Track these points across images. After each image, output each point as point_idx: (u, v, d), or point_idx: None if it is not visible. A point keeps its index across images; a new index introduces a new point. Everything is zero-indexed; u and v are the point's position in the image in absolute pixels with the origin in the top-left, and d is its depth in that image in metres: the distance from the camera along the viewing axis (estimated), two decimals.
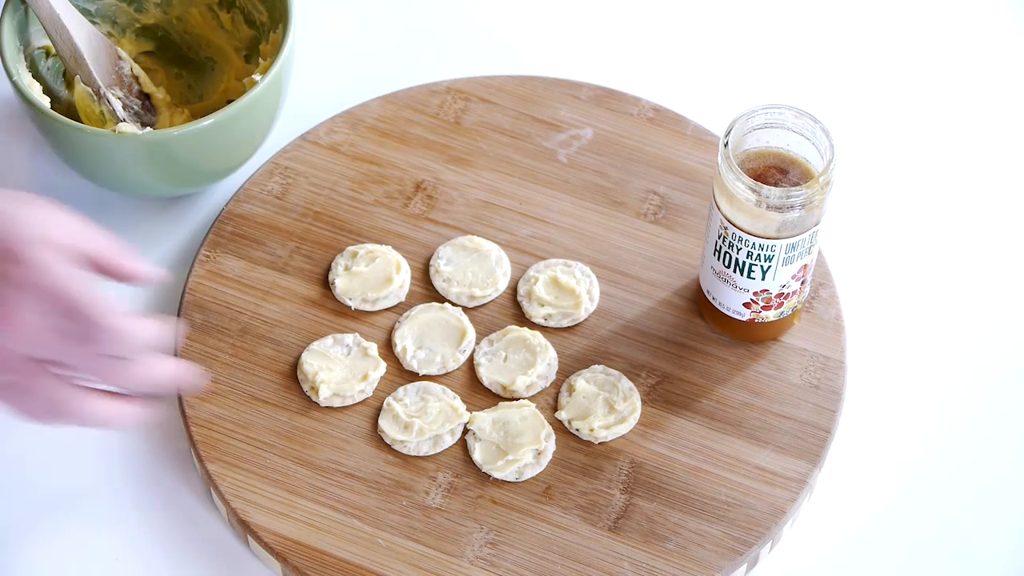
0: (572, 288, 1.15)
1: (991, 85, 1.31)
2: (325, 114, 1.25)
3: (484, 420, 1.10)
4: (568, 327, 1.15)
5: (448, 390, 1.12)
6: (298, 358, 1.12)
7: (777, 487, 1.08)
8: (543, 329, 1.15)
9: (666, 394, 1.12)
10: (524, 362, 1.13)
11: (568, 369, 1.13)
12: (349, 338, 1.13)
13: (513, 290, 1.16)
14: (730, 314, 1.12)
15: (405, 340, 1.14)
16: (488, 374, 1.13)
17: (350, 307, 1.15)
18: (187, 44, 1.26)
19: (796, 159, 1.07)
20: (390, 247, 1.18)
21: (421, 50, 1.32)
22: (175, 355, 1.12)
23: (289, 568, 1.05)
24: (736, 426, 1.11)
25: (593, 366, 1.13)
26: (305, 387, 1.11)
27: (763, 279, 1.09)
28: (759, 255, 1.07)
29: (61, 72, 1.21)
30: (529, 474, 1.09)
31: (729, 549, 1.06)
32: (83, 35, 1.17)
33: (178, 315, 1.14)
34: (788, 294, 1.10)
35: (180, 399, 1.11)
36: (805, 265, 1.09)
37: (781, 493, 1.08)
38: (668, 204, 1.20)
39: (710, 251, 1.10)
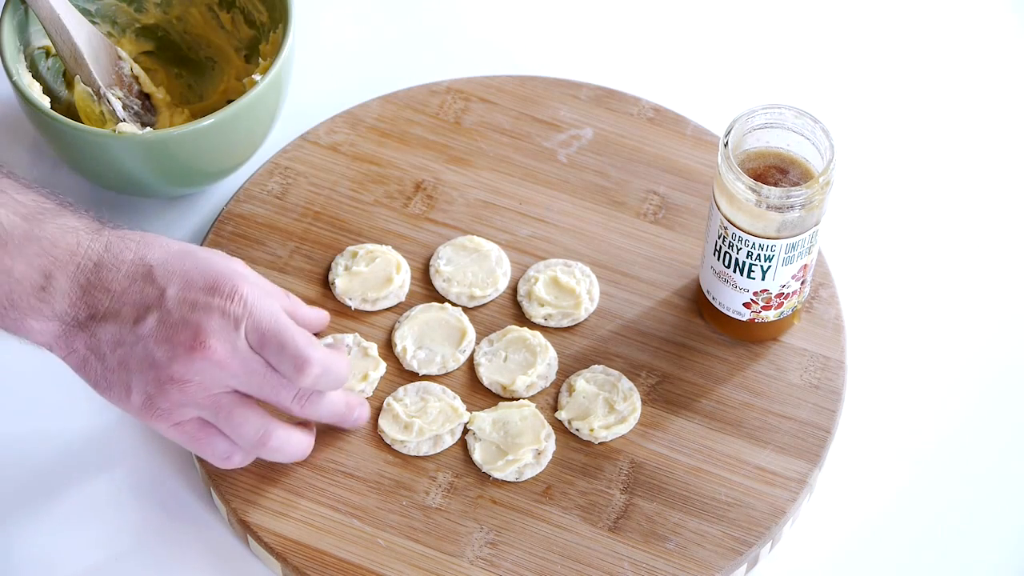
0: (572, 288, 1.15)
1: (991, 85, 1.31)
2: (325, 114, 1.25)
3: (484, 420, 1.10)
4: (568, 327, 1.15)
5: (448, 390, 1.12)
6: None
7: (777, 487, 1.08)
8: (543, 329, 1.15)
9: (666, 394, 1.12)
10: (524, 362, 1.13)
11: (568, 369, 1.13)
12: (349, 338, 1.13)
13: (513, 290, 1.16)
14: (730, 314, 1.12)
15: (405, 340, 1.14)
16: (488, 374, 1.13)
17: (350, 307, 1.15)
18: (187, 44, 1.26)
19: (796, 159, 1.07)
20: (390, 247, 1.18)
21: (421, 50, 1.32)
22: None
23: (289, 568, 1.05)
24: (736, 426, 1.11)
25: (593, 366, 1.13)
26: None
27: (763, 279, 1.09)
28: (759, 255, 1.07)
29: (61, 72, 1.21)
30: (529, 474, 1.09)
31: (729, 549, 1.06)
32: (83, 35, 1.17)
33: None
34: (788, 294, 1.10)
35: None
36: (805, 265, 1.09)
37: (781, 493, 1.08)
38: (668, 204, 1.20)
39: (710, 251, 1.10)
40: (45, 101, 1.15)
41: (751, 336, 1.14)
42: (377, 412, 1.11)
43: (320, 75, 1.29)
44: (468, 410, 1.11)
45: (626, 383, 1.12)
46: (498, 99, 1.25)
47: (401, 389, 1.12)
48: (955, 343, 1.18)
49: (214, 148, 1.15)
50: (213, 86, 1.25)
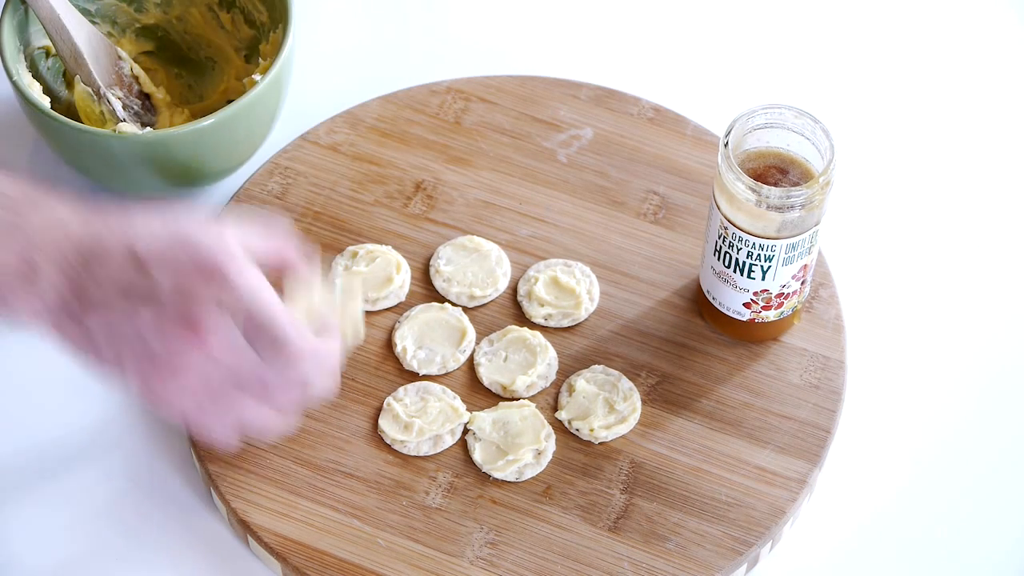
0: (572, 288, 1.15)
1: (991, 85, 1.31)
2: (325, 114, 1.25)
3: (484, 420, 1.10)
4: (568, 327, 1.15)
5: (448, 390, 1.12)
6: None
7: (777, 487, 1.08)
8: (543, 329, 1.15)
9: (666, 394, 1.12)
10: (524, 362, 1.13)
11: (568, 369, 1.13)
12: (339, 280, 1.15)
13: (513, 290, 1.16)
14: (730, 314, 1.12)
15: (405, 340, 1.14)
16: (488, 374, 1.13)
17: None
18: (187, 44, 1.26)
19: (796, 159, 1.07)
20: (390, 247, 1.18)
21: (421, 50, 1.32)
22: None
23: (289, 568, 1.05)
24: (736, 426, 1.11)
25: (593, 366, 1.13)
26: None
27: (763, 279, 1.09)
28: (759, 255, 1.07)
29: (61, 72, 1.21)
30: (529, 474, 1.09)
31: (729, 549, 1.06)
32: (83, 35, 1.17)
33: None
34: (788, 294, 1.10)
35: None
36: (805, 265, 1.09)
37: (781, 493, 1.08)
38: (668, 204, 1.20)
39: (710, 251, 1.10)
40: (45, 101, 1.15)
41: (751, 336, 1.14)
42: (377, 412, 1.11)
43: (320, 75, 1.29)
44: (468, 410, 1.11)
45: (626, 383, 1.12)
46: (498, 99, 1.25)
47: (401, 389, 1.12)
48: (955, 343, 1.18)
49: (214, 148, 1.15)
50: (213, 86, 1.25)
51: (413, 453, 1.09)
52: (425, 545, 1.06)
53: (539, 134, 1.24)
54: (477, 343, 1.14)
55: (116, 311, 0.95)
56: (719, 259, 1.09)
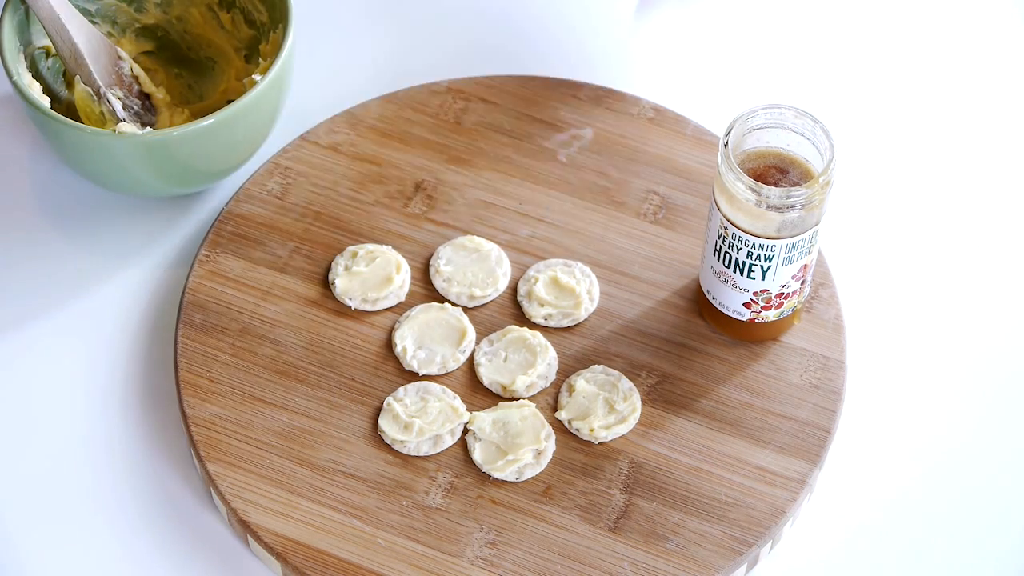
0: (572, 288, 1.15)
1: (991, 85, 1.31)
2: (325, 114, 1.25)
3: (484, 420, 1.10)
4: (568, 327, 1.15)
5: (448, 390, 1.12)
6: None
7: (777, 487, 1.08)
8: (543, 329, 1.15)
9: (666, 394, 1.12)
10: (524, 362, 1.13)
11: (568, 369, 1.13)
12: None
13: (513, 290, 1.16)
14: (730, 314, 1.12)
15: (405, 340, 1.14)
16: (488, 374, 1.13)
17: (350, 307, 1.15)
18: (187, 44, 1.26)
19: (796, 159, 1.07)
20: (390, 247, 1.18)
21: (421, 50, 1.32)
22: (174, 355, 1.13)
23: (289, 568, 1.05)
24: (736, 426, 1.11)
25: (593, 366, 1.13)
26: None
27: (763, 279, 1.09)
28: (759, 255, 1.07)
29: (61, 72, 1.21)
30: (529, 474, 1.09)
31: (729, 549, 1.06)
32: (83, 35, 1.17)
33: (178, 315, 1.14)
34: (788, 294, 1.10)
35: (180, 399, 1.11)
36: (805, 265, 1.09)
37: (781, 493, 1.08)
38: (668, 204, 1.20)
39: (710, 251, 1.10)
40: (45, 101, 1.15)
41: (751, 336, 1.14)
42: (377, 412, 1.11)
43: (320, 75, 1.29)
44: (468, 410, 1.11)
45: (626, 383, 1.12)
46: (498, 99, 1.25)
47: (401, 389, 1.12)
48: (955, 343, 1.18)
49: (214, 148, 1.15)
50: (213, 86, 1.25)
51: (413, 453, 1.09)
52: (425, 545, 1.06)
53: (539, 134, 1.24)
54: (477, 343, 1.14)
55: None
56: (719, 259, 1.09)
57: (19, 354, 1.15)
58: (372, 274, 1.16)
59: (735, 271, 1.09)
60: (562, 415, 1.11)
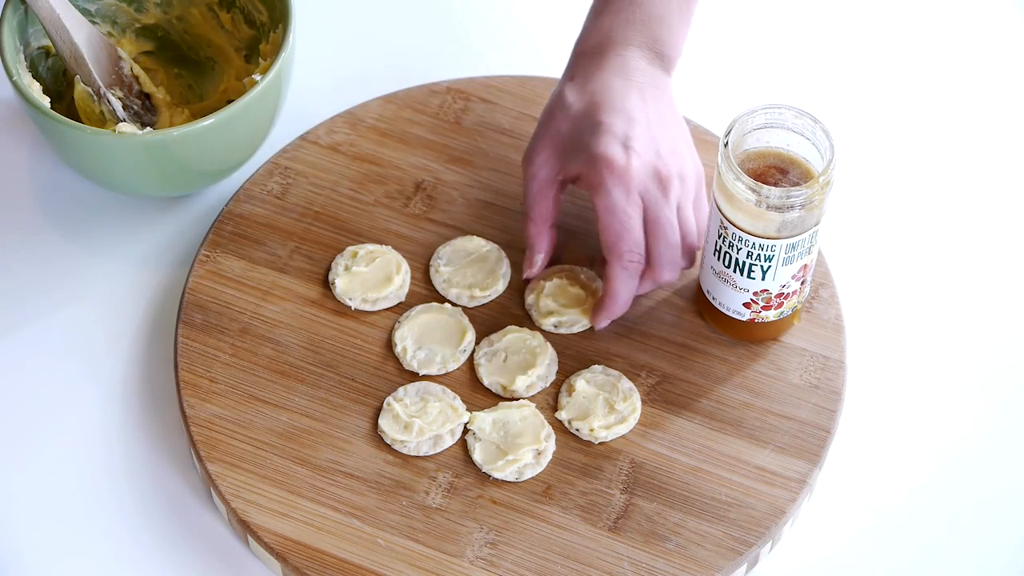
0: (581, 296, 1.15)
1: (991, 85, 1.31)
2: (325, 114, 1.25)
3: (484, 420, 1.10)
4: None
5: (448, 390, 1.12)
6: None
7: (777, 487, 1.08)
8: (548, 333, 1.15)
9: (666, 394, 1.12)
10: (524, 362, 1.13)
11: (568, 369, 1.13)
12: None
13: (513, 290, 1.16)
14: (730, 314, 1.12)
15: (405, 340, 1.14)
16: (488, 374, 1.13)
17: (350, 307, 1.15)
18: (187, 44, 1.26)
19: (796, 159, 1.07)
20: (390, 247, 1.18)
21: (421, 50, 1.32)
22: (174, 355, 1.13)
23: (289, 568, 1.05)
24: (736, 426, 1.11)
25: (593, 366, 1.13)
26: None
27: (763, 279, 1.09)
28: (759, 255, 1.07)
29: (61, 72, 1.21)
30: (529, 474, 1.09)
31: (729, 549, 1.06)
32: (83, 35, 1.17)
33: (178, 315, 1.14)
34: (788, 294, 1.10)
35: (180, 399, 1.11)
36: (805, 265, 1.09)
37: (781, 493, 1.08)
38: None
39: (710, 251, 1.10)
40: (45, 101, 1.15)
41: (751, 336, 1.14)
42: (377, 412, 1.11)
43: (320, 75, 1.29)
44: (468, 410, 1.11)
45: (626, 383, 1.12)
46: (498, 99, 1.25)
47: (401, 389, 1.12)
48: (955, 342, 1.18)
49: (214, 148, 1.15)
50: (213, 86, 1.25)
51: (413, 453, 1.09)
52: (425, 545, 1.06)
53: None
54: (477, 343, 1.14)
55: None
56: (719, 259, 1.09)
57: (19, 354, 1.15)
58: (372, 274, 1.16)
59: (735, 271, 1.09)
60: (562, 415, 1.11)
